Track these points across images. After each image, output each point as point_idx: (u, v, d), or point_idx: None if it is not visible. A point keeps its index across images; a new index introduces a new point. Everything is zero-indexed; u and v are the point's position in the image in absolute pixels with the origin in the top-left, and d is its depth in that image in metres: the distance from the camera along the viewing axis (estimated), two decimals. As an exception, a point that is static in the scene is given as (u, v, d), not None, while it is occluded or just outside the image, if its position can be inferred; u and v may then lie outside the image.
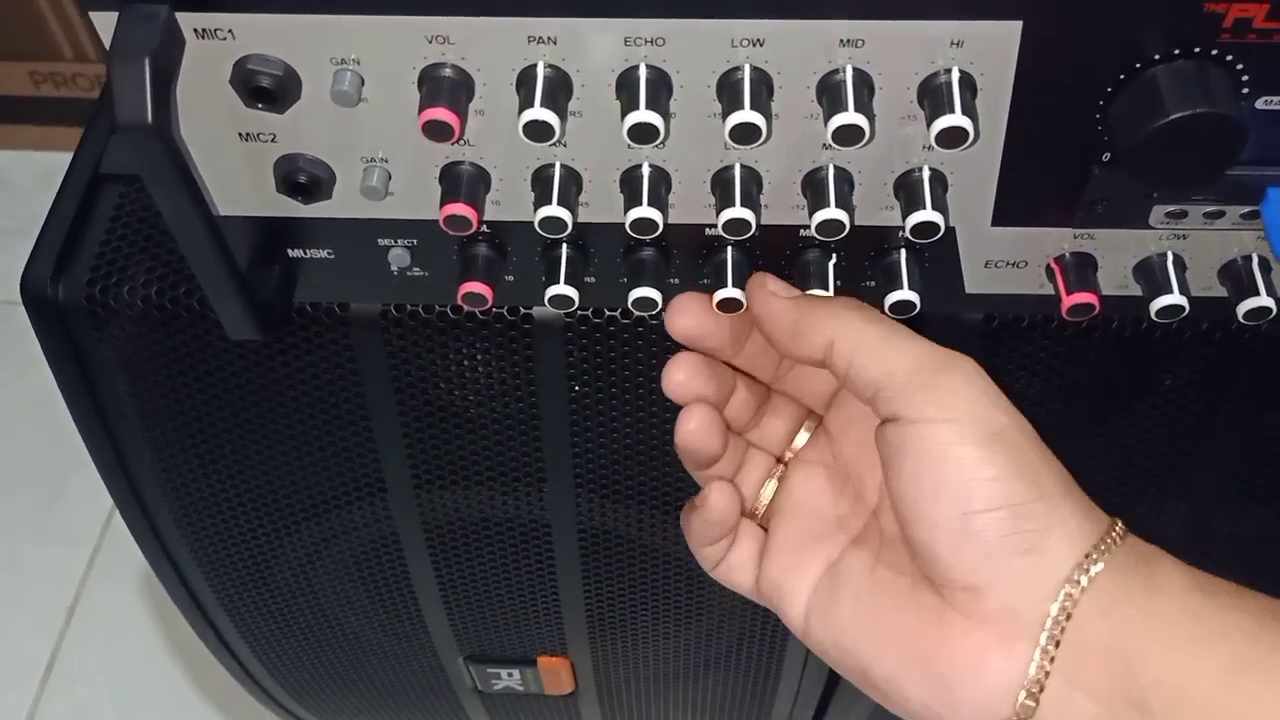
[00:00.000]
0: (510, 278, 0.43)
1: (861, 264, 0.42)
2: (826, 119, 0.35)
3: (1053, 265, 0.41)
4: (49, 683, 1.14)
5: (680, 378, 0.40)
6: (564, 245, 0.42)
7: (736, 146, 0.36)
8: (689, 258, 0.42)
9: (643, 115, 0.35)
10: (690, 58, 0.35)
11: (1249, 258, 0.41)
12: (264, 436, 0.51)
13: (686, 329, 0.40)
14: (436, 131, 0.35)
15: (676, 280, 0.43)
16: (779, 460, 0.43)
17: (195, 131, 0.38)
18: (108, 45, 0.34)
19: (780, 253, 0.42)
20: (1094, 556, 0.34)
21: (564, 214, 0.38)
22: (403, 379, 0.48)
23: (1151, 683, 0.33)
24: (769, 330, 0.39)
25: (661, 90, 0.35)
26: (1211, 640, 0.33)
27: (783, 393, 0.43)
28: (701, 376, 0.40)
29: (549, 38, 0.35)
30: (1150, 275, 0.41)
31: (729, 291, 0.40)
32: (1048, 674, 0.34)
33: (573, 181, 0.39)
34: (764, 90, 0.35)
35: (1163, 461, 0.51)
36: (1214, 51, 0.34)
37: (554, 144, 0.36)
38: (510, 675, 0.67)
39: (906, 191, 0.38)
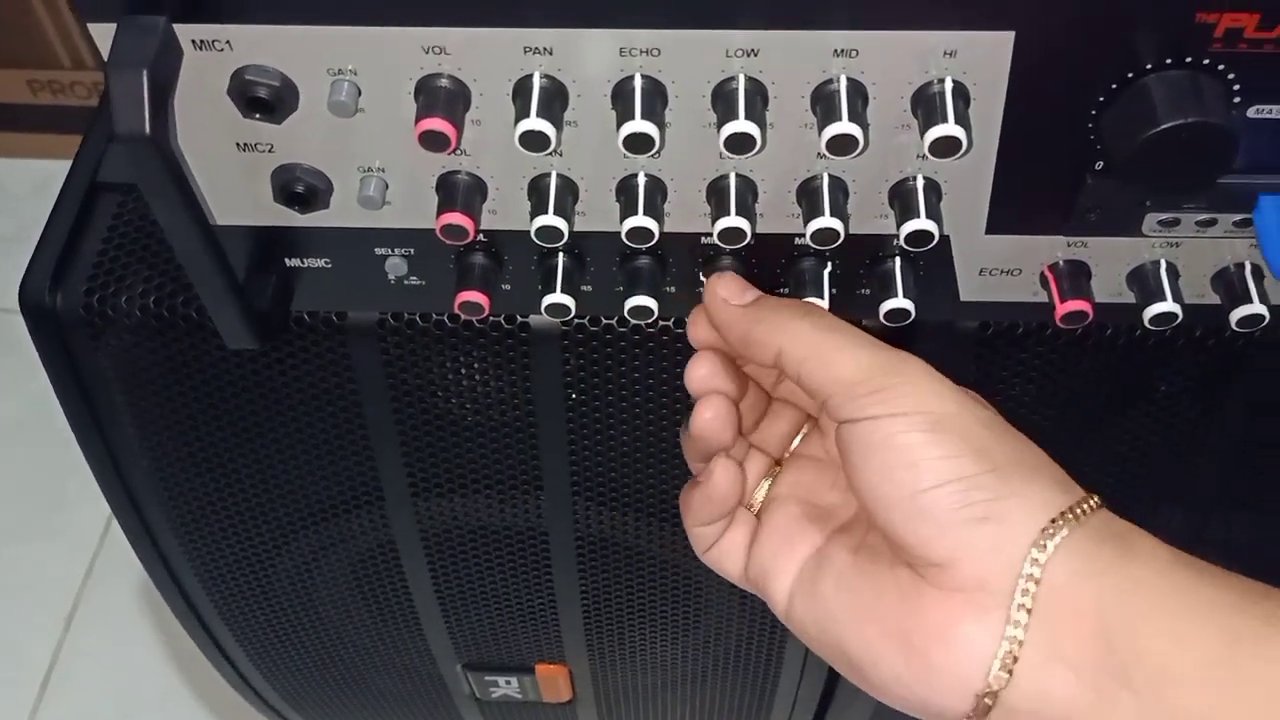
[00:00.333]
0: (507, 286, 0.43)
1: (856, 272, 0.42)
2: (821, 129, 0.35)
3: (1046, 273, 0.42)
4: (48, 688, 1.14)
5: (703, 373, 0.40)
6: (560, 254, 0.42)
7: (731, 156, 0.36)
8: (685, 266, 0.42)
9: (638, 125, 0.35)
10: (685, 68, 0.35)
11: (1242, 265, 0.41)
12: (261, 445, 0.51)
13: (708, 338, 0.41)
14: (433, 142, 0.35)
15: (673, 289, 0.43)
16: (777, 462, 0.43)
17: (193, 141, 0.38)
18: (106, 56, 0.34)
19: (775, 261, 0.42)
20: (1059, 523, 0.34)
21: (560, 223, 0.38)
22: (400, 387, 0.48)
23: (1134, 654, 0.33)
24: (724, 336, 0.40)
25: (657, 100, 0.36)
26: (1197, 612, 0.33)
27: (781, 399, 0.43)
28: (722, 375, 0.41)
29: (545, 48, 0.35)
30: (1143, 283, 0.41)
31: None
32: (1021, 644, 0.34)
33: (569, 191, 0.39)
34: (759, 100, 0.35)
35: (1157, 468, 0.51)
36: (1205, 61, 0.34)
37: (550, 154, 0.37)
38: (508, 683, 0.67)
39: (901, 200, 0.38)
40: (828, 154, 0.35)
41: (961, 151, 0.35)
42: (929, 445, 0.35)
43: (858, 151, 0.35)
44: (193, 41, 0.35)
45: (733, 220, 0.38)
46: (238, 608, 0.61)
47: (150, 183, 0.35)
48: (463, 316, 0.44)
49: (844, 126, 0.35)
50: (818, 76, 0.35)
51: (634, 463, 0.51)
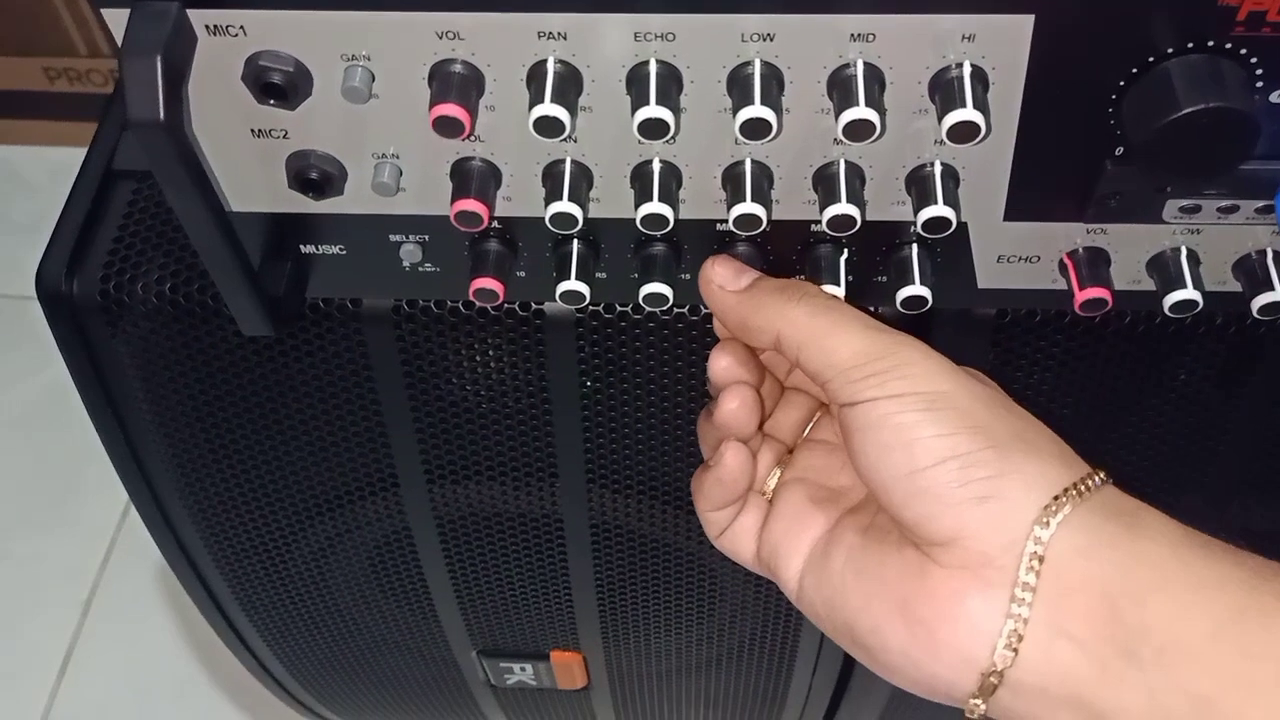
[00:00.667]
0: (522, 273, 0.43)
1: (873, 259, 0.42)
2: (837, 114, 0.35)
3: (1065, 260, 0.41)
4: (66, 675, 1.15)
5: (725, 363, 0.41)
6: (575, 241, 0.42)
7: (747, 142, 0.36)
8: (700, 253, 0.42)
9: (653, 110, 0.35)
10: (700, 52, 0.35)
11: (1263, 252, 0.41)
12: (277, 432, 0.51)
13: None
14: (447, 128, 0.35)
15: (688, 276, 0.43)
16: (790, 450, 0.43)
17: (207, 128, 0.38)
18: (119, 42, 0.34)
19: (791, 248, 0.42)
20: (1063, 500, 0.34)
21: (575, 210, 0.38)
22: (415, 374, 0.48)
23: (1141, 628, 0.32)
24: (722, 322, 0.40)
25: (672, 85, 0.35)
26: (1205, 588, 0.33)
27: (794, 387, 0.43)
28: (744, 365, 0.41)
29: (559, 33, 0.35)
30: (1164, 270, 0.41)
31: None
32: (1025, 621, 0.34)
33: (583, 177, 0.39)
34: (774, 85, 0.35)
35: (1176, 456, 0.50)
36: (1227, 45, 0.34)
37: (565, 140, 0.36)
38: (523, 670, 0.67)
39: (918, 186, 0.38)
40: (844, 140, 0.35)
41: (980, 137, 0.35)
42: (925, 424, 0.35)
43: (874, 137, 0.35)
44: (206, 27, 0.35)
45: (749, 207, 0.38)
46: (255, 594, 0.62)
47: (164, 169, 0.35)
48: (477, 303, 0.44)
49: (861, 112, 0.34)
50: (834, 61, 0.35)
51: (649, 449, 0.51)
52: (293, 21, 0.35)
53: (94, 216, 0.49)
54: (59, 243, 0.48)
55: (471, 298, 0.42)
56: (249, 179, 0.40)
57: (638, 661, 0.66)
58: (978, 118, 0.34)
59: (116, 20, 0.34)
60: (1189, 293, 0.40)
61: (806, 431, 0.43)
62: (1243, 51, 0.34)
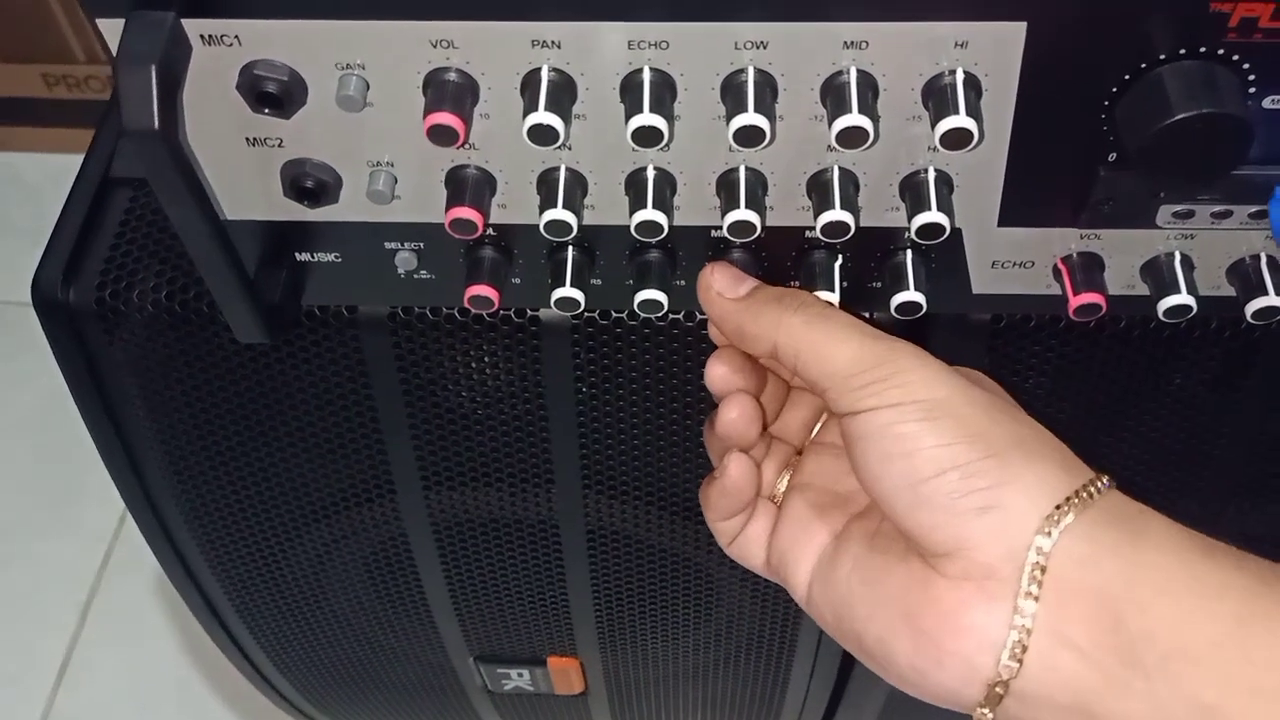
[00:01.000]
0: (517, 280, 0.43)
1: (868, 265, 0.42)
2: (830, 121, 0.35)
3: (1059, 265, 0.41)
4: (64, 678, 1.15)
5: (722, 371, 0.41)
6: (569, 248, 0.42)
7: (741, 149, 0.36)
8: (695, 260, 0.42)
9: (646, 119, 0.35)
10: (694, 60, 0.35)
11: (1257, 257, 0.41)
12: (274, 439, 0.51)
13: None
14: (441, 136, 0.35)
15: (683, 282, 0.43)
16: (798, 452, 0.43)
17: (202, 136, 0.38)
18: (114, 51, 0.34)
19: (786, 254, 0.42)
20: (1064, 508, 0.34)
21: (569, 217, 0.38)
22: (411, 381, 0.48)
23: (1144, 636, 0.32)
24: (719, 329, 0.41)
25: (665, 93, 0.35)
26: (1208, 595, 0.33)
27: (800, 386, 0.43)
28: (742, 372, 0.41)
29: (553, 41, 0.35)
30: (1158, 275, 0.41)
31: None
32: (1029, 632, 0.34)
33: (578, 185, 0.39)
34: (768, 92, 0.35)
35: (1172, 461, 0.50)
36: (1220, 51, 0.34)
37: (559, 147, 0.36)
38: (520, 675, 0.67)
39: (912, 193, 0.38)
40: (838, 146, 0.35)
41: (973, 144, 0.35)
42: (925, 434, 0.35)
43: (868, 144, 0.35)
44: (201, 36, 0.35)
45: (743, 214, 0.38)
46: (251, 600, 0.62)
47: (160, 178, 0.35)
48: (472, 311, 0.44)
49: (854, 119, 0.34)
50: (828, 68, 0.35)
51: (645, 456, 0.51)
52: (287, 31, 0.35)
53: (91, 224, 0.49)
54: (55, 250, 0.48)
55: (466, 305, 0.42)
56: (244, 187, 0.40)
57: (635, 667, 0.66)
58: (970, 125, 0.34)
59: (112, 30, 0.34)
60: (1183, 298, 0.40)
61: (814, 433, 0.43)
62: (1235, 57, 0.34)
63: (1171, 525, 0.35)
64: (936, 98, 0.35)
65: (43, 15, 1.34)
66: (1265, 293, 0.40)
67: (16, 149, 1.48)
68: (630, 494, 0.53)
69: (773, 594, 0.58)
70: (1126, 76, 0.35)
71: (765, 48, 0.35)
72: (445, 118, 0.35)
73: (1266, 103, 0.35)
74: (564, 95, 0.35)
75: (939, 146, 0.35)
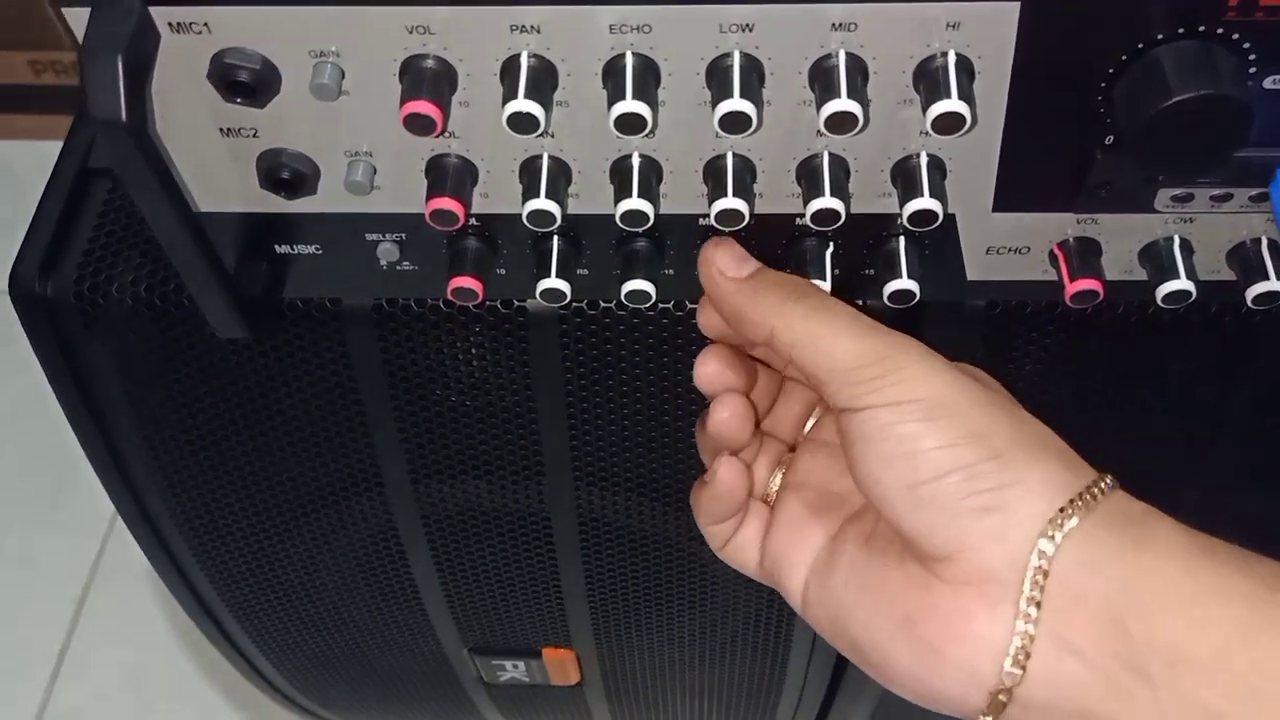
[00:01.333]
0: (502, 270, 0.42)
1: (860, 252, 0.41)
2: (819, 106, 0.34)
3: (1056, 251, 0.40)
4: (60, 673, 1.15)
5: (711, 369, 0.40)
6: (554, 238, 0.41)
7: (728, 135, 0.35)
8: (683, 249, 0.41)
9: (630, 105, 0.34)
10: (678, 44, 0.34)
11: (1258, 240, 0.40)
12: (259, 433, 0.51)
13: (717, 326, 0.40)
14: (418, 125, 0.34)
15: (671, 271, 0.42)
16: (791, 448, 0.42)
17: (174, 127, 0.37)
18: (80, 40, 0.33)
19: (776, 242, 0.41)
20: (1068, 511, 0.33)
21: (553, 207, 0.37)
22: (397, 373, 0.48)
23: (1149, 643, 0.32)
24: (716, 307, 0.39)
25: (649, 78, 0.34)
26: (1213, 601, 0.32)
27: (793, 379, 0.42)
28: (733, 370, 0.40)
29: (533, 26, 0.34)
30: (1156, 260, 0.40)
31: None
32: (1032, 638, 0.33)
33: (561, 173, 0.38)
34: (754, 77, 0.34)
35: (1170, 447, 0.50)
36: (1219, 31, 0.33)
37: (541, 135, 0.35)
38: (515, 667, 0.66)
39: (904, 178, 0.37)
40: (827, 132, 0.34)
41: (966, 128, 0.34)
42: (925, 435, 0.34)
43: (858, 129, 0.34)
44: (170, 24, 0.34)
45: (730, 202, 0.37)
46: (242, 595, 0.61)
47: (128, 169, 0.34)
48: (457, 303, 0.43)
49: (843, 104, 0.33)
50: (816, 51, 0.34)
51: (635, 446, 0.50)
52: (258, 18, 0.34)
53: (69, 215, 0.48)
54: (33, 243, 0.47)
55: (450, 297, 0.41)
56: (220, 179, 0.39)
57: (631, 657, 0.65)
58: (963, 109, 0.33)
59: (77, 18, 0.33)
60: (1182, 283, 0.39)
61: (807, 429, 0.43)
62: (1235, 37, 0.33)
63: (1176, 527, 0.34)
64: (928, 81, 0.34)
65: (29, 1, 1.32)
66: (1266, 277, 0.40)
67: (3, 136, 1.47)
68: (621, 484, 0.52)
69: (768, 584, 0.57)
70: (1123, 57, 0.34)
71: (751, 30, 0.34)
72: (422, 106, 0.34)
73: (1267, 83, 0.34)
74: (545, 82, 0.34)
75: (931, 131, 0.34)
